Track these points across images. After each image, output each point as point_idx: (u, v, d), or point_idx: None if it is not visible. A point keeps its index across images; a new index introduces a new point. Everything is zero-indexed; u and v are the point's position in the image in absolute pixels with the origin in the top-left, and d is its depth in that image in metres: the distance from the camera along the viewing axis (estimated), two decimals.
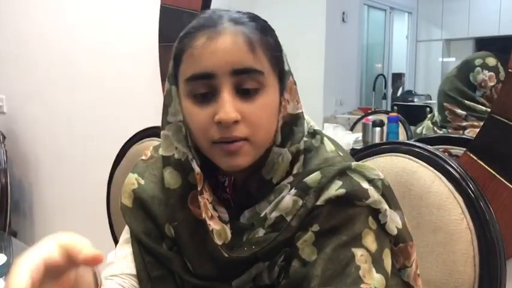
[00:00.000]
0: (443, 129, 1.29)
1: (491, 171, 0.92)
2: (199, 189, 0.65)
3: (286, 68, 0.67)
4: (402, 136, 1.77)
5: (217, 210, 0.67)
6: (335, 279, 0.59)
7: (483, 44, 3.12)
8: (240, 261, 0.64)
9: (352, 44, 3.13)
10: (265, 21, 0.67)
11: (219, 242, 0.64)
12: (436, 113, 1.38)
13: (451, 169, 0.83)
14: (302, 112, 0.69)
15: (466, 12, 2.66)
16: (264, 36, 0.64)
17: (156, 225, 0.70)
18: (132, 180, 0.75)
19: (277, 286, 0.64)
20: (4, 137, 2.15)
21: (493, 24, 2.61)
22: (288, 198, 0.63)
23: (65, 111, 2.24)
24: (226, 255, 0.63)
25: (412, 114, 2.88)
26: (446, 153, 0.89)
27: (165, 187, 0.68)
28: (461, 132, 1.22)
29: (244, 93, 0.62)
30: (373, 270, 0.61)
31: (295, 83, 0.68)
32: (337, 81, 2.87)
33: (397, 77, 4.00)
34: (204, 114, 0.62)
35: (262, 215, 0.64)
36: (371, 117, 2.09)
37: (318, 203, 0.62)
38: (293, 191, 0.63)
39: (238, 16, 0.64)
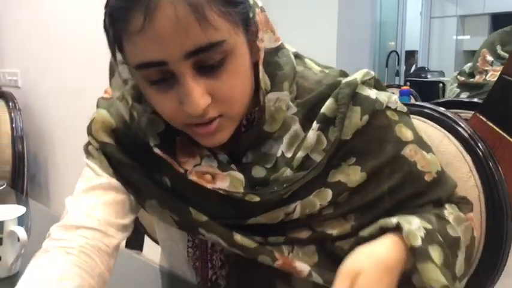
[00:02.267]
0: (471, 79, 1.47)
1: (501, 132, 0.92)
2: (182, 171, 0.60)
3: (251, 1, 0.56)
4: None
5: (214, 152, 0.62)
6: (405, 184, 0.63)
7: (499, 20, 3.08)
8: (266, 202, 0.60)
9: (365, 21, 3.11)
10: None
11: (239, 191, 0.60)
12: (468, 65, 1.59)
13: (460, 129, 0.83)
14: (282, 43, 0.63)
15: None
16: None
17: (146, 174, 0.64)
18: (106, 116, 0.67)
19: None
20: (20, 110, 2.18)
21: (509, 0, 2.57)
22: (312, 134, 0.60)
23: (79, 85, 2.26)
24: (258, 199, 0.60)
25: (425, 90, 2.87)
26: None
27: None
28: (483, 76, 1.39)
29: (208, 69, 0.52)
30: (424, 153, 0.65)
31: (262, 10, 0.59)
32: (350, 59, 2.86)
33: (410, 55, 4.00)
34: (167, 101, 0.54)
35: (279, 154, 0.61)
36: None
37: (347, 137, 0.61)
38: (314, 124, 0.61)
39: None
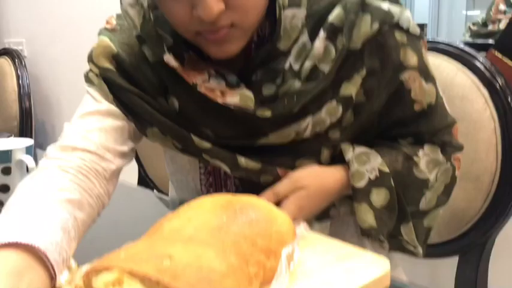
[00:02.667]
0: (484, 28, 1.52)
1: None
2: (193, 83, 0.59)
3: None
4: None
5: (222, 73, 0.61)
6: (393, 109, 0.64)
7: None
8: (277, 118, 0.60)
9: None
10: None
11: (250, 107, 0.59)
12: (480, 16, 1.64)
13: (476, 62, 0.82)
14: None
15: None
16: None
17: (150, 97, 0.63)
18: (107, 43, 0.65)
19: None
20: (25, 66, 2.17)
21: None
22: (319, 43, 0.58)
23: (86, 53, 2.25)
24: (269, 113, 0.59)
25: None
26: None
27: (148, 60, 0.62)
28: (496, 25, 1.43)
29: None
30: (423, 83, 0.64)
31: None
32: None
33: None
34: (180, 5, 0.52)
35: (286, 67, 0.59)
36: None
37: (356, 46, 0.59)
38: (322, 33, 0.58)
39: None
